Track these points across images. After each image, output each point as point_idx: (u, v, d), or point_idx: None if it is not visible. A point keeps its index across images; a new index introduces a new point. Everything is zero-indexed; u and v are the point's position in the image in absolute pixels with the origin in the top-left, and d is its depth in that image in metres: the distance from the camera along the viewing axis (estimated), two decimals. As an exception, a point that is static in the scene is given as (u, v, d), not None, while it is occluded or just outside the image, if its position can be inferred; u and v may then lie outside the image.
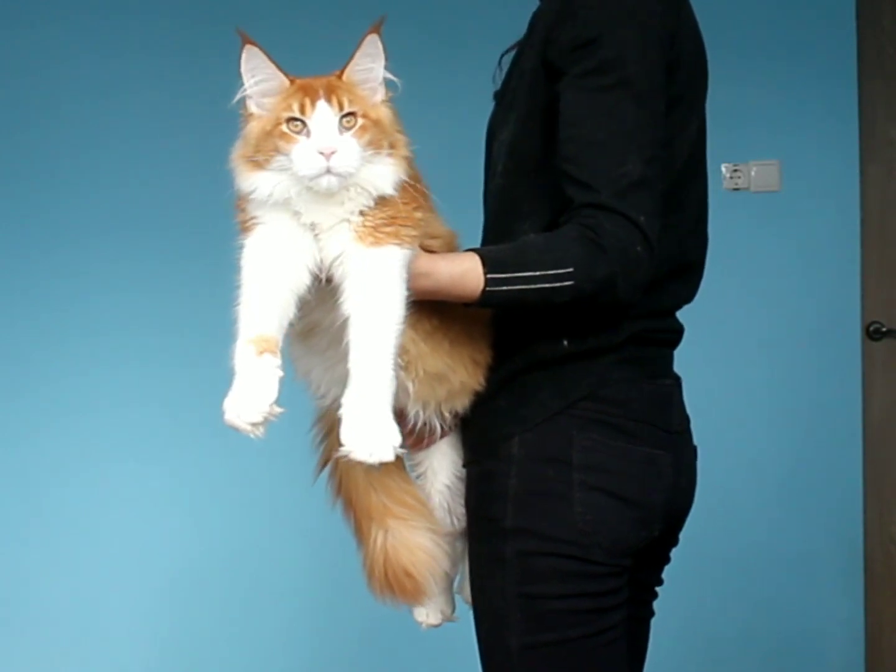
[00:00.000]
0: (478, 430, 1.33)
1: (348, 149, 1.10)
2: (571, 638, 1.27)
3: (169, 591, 2.75)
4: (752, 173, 2.79)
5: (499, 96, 1.43)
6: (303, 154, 1.10)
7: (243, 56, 1.12)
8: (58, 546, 2.74)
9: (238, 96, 1.14)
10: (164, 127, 2.76)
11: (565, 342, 1.30)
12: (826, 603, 2.82)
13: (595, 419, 1.29)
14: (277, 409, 1.07)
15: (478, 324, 1.29)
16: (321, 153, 1.09)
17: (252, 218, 1.14)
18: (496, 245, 1.26)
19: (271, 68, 1.13)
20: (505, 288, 1.16)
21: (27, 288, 2.76)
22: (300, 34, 2.68)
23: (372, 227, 1.12)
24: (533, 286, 1.17)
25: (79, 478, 2.73)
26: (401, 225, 1.13)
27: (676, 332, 1.41)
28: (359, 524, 1.36)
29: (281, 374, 1.08)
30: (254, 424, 1.06)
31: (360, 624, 2.63)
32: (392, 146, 1.15)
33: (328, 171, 1.09)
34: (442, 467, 1.36)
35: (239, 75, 1.13)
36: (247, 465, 2.70)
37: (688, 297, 1.42)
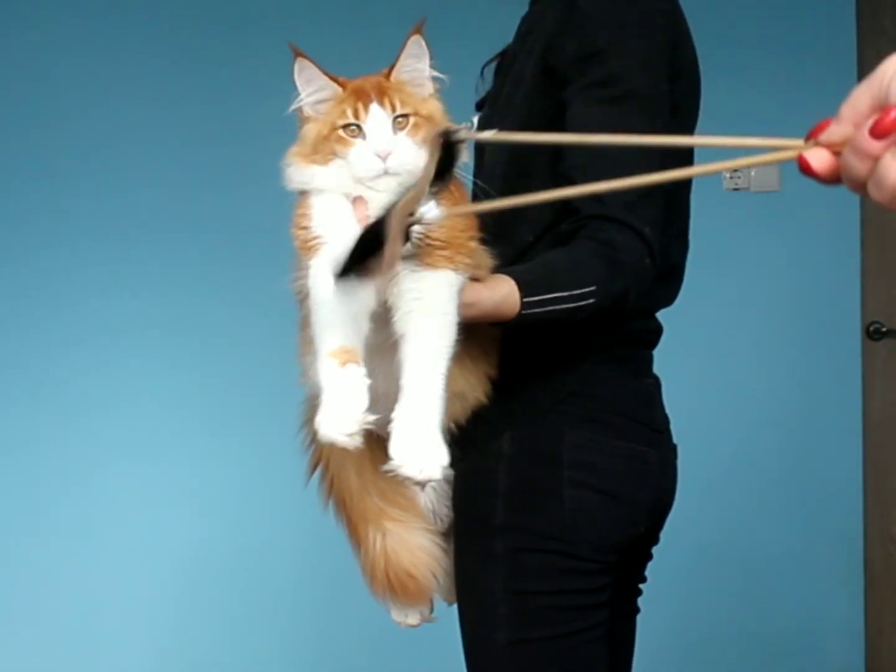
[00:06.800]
0: (466, 427, 1.32)
1: (404, 148, 1.12)
2: (557, 635, 1.28)
3: (174, 591, 2.75)
4: (752, 173, 2.79)
5: (490, 102, 1.43)
6: (360, 157, 1.12)
7: (295, 69, 1.15)
8: (62, 547, 2.74)
9: (293, 106, 1.17)
10: (168, 129, 2.77)
11: (556, 340, 1.31)
12: (826, 603, 2.82)
13: (585, 416, 1.31)
14: (371, 417, 1.05)
15: (492, 339, 1.29)
16: (378, 156, 1.11)
17: (316, 238, 1.13)
18: (521, 265, 1.26)
19: (323, 78, 1.15)
20: (537, 310, 1.17)
21: (28, 290, 2.76)
22: (302, 36, 2.69)
23: (429, 247, 1.12)
24: (561, 306, 1.18)
25: (82, 479, 2.74)
26: (456, 251, 1.13)
27: (656, 333, 1.44)
28: (354, 527, 1.35)
29: (368, 381, 1.07)
30: (350, 435, 1.05)
31: (361, 622, 2.63)
32: None
33: (386, 173, 1.11)
34: None
35: (294, 86, 1.16)
36: (249, 466, 2.70)
37: (670, 299, 1.44)
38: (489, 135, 0.99)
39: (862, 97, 0.66)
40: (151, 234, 2.76)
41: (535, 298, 1.17)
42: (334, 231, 1.12)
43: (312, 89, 1.15)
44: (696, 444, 2.74)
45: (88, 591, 2.73)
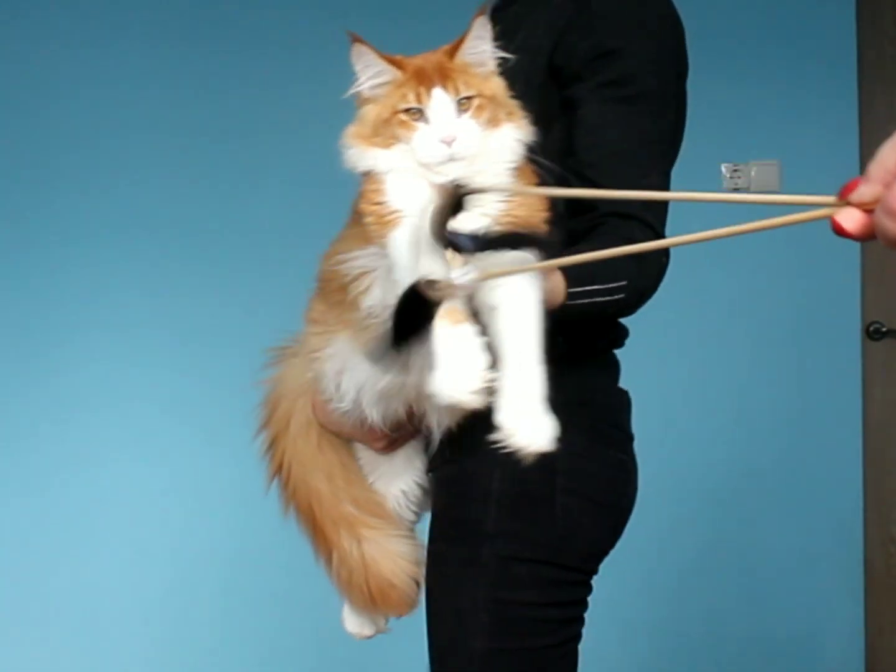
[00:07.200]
0: (457, 427, 1.28)
1: (468, 132, 1.10)
2: (536, 646, 1.27)
3: (168, 589, 2.75)
4: (752, 173, 2.78)
5: None
6: (424, 142, 1.09)
7: (353, 54, 1.12)
8: (55, 545, 2.73)
9: (351, 91, 1.14)
10: (166, 125, 2.76)
11: (560, 340, 1.31)
12: (826, 603, 2.82)
13: (579, 424, 1.29)
14: (490, 375, 1.01)
15: None
16: (443, 142, 1.09)
17: (394, 212, 1.10)
18: None
19: (381, 63, 1.12)
20: (578, 302, 1.15)
21: (27, 287, 2.76)
22: (300, 32, 2.69)
23: (512, 224, 1.10)
24: (598, 299, 1.17)
25: (77, 476, 2.73)
26: (534, 229, 1.11)
27: (626, 337, 1.44)
28: (322, 534, 1.32)
29: (484, 338, 1.03)
30: (474, 393, 1.00)
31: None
32: (509, 113, 1.14)
33: (451, 159, 1.09)
34: (403, 471, 1.34)
35: (352, 71, 1.13)
36: (245, 464, 2.70)
37: None
38: (512, 189, 0.98)
39: (888, 156, 0.66)
40: (156, 232, 2.75)
41: (578, 290, 1.15)
42: (412, 205, 1.09)
43: (371, 73, 1.12)
44: (696, 445, 2.76)
45: (84, 589, 2.73)
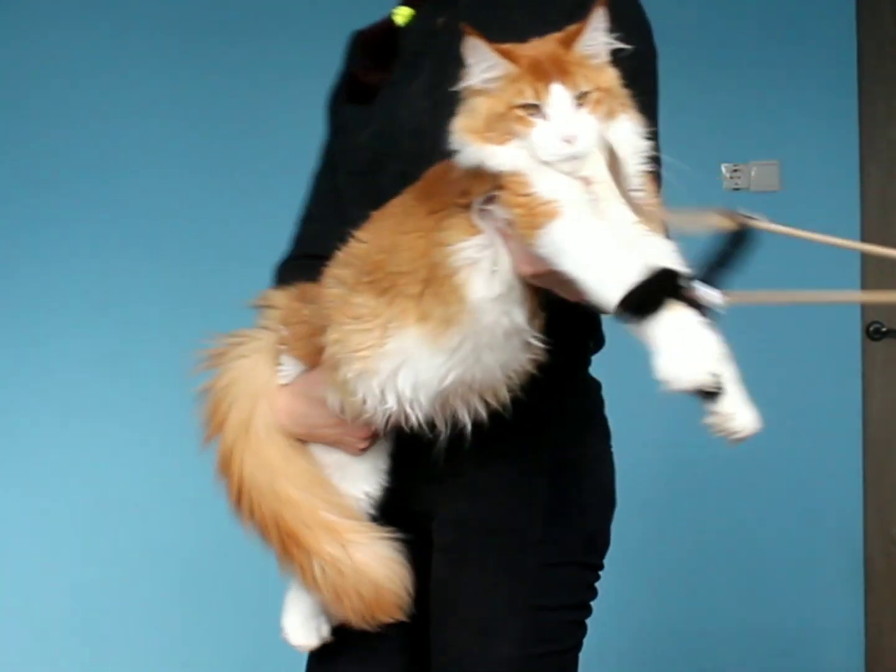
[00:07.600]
0: (496, 431, 1.23)
1: (587, 128, 1.06)
2: (563, 649, 1.27)
3: (167, 589, 2.75)
4: (752, 173, 2.78)
5: (428, 88, 1.35)
6: (545, 139, 1.05)
7: (466, 47, 1.07)
8: (46, 544, 2.74)
9: (465, 85, 1.10)
10: (151, 119, 2.77)
11: (591, 343, 1.33)
12: (826, 603, 2.82)
13: (595, 423, 1.33)
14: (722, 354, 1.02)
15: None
16: (564, 140, 1.05)
17: (549, 202, 1.04)
18: None
19: (494, 56, 1.07)
20: None
21: (19, 286, 2.76)
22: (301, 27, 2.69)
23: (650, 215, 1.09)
24: None
25: (69, 478, 2.74)
26: (650, 223, 1.09)
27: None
28: (297, 543, 1.26)
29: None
30: (712, 374, 1.00)
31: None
32: (623, 105, 1.11)
33: (572, 157, 1.05)
34: (372, 472, 1.30)
35: (468, 66, 1.09)
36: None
37: None
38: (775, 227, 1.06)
39: None
40: (144, 232, 2.76)
41: None
42: (569, 192, 1.05)
43: (484, 67, 1.08)
44: (695, 444, 2.75)
45: (76, 587, 2.73)
